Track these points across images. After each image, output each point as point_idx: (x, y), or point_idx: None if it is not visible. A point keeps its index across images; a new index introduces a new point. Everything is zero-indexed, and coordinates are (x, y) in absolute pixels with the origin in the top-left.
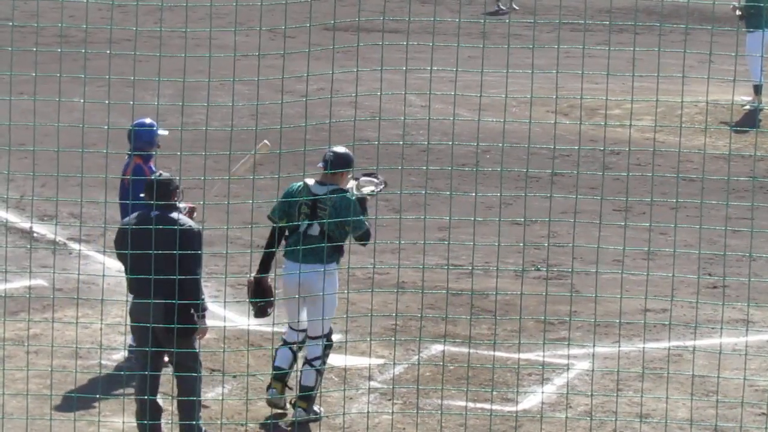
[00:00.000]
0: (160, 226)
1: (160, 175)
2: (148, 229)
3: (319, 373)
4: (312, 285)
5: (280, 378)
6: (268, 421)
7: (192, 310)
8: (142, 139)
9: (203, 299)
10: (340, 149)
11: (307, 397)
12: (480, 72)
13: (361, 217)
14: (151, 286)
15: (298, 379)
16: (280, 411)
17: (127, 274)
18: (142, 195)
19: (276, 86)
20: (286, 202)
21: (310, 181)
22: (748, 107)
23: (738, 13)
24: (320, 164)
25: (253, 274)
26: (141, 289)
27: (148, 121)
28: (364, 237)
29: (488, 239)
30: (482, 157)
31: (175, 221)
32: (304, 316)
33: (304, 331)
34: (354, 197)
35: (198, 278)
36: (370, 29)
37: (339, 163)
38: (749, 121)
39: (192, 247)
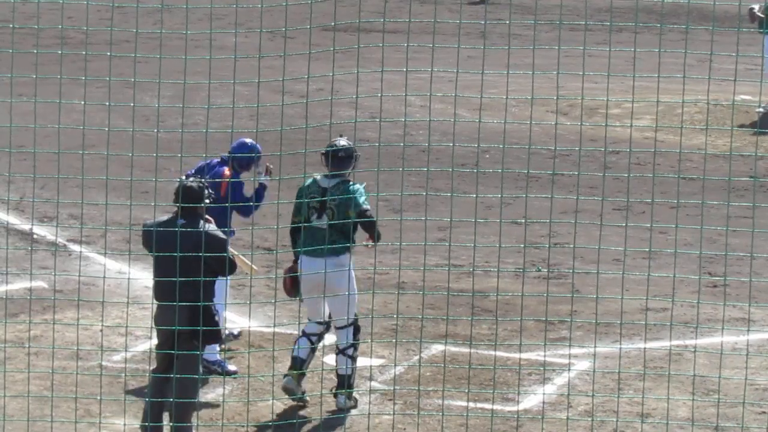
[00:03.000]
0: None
1: (191, 182)
2: (171, 236)
3: (353, 359)
4: (330, 279)
5: (296, 367)
6: (269, 422)
7: (216, 317)
8: (244, 160)
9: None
10: (343, 141)
11: (344, 384)
12: (480, 72)
13: (366, 204)
14: (176, 292)
15: (336, 369)
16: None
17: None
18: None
19: (275, 87)
20: (299, 200)
21: (318, 176)
22: (761, 109)
23: (761, 15)
24: (326, 159)
25: (283, 273)
26: (165, 296)
27: (249, 142)
28: (369, 225)
29: (488, 239)
30: (482, 157)
31: (204, 230)
32: (324, 308)
33: (323, 323)
34: (362, 185)
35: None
36: (369, 30)
37: (343, 156)
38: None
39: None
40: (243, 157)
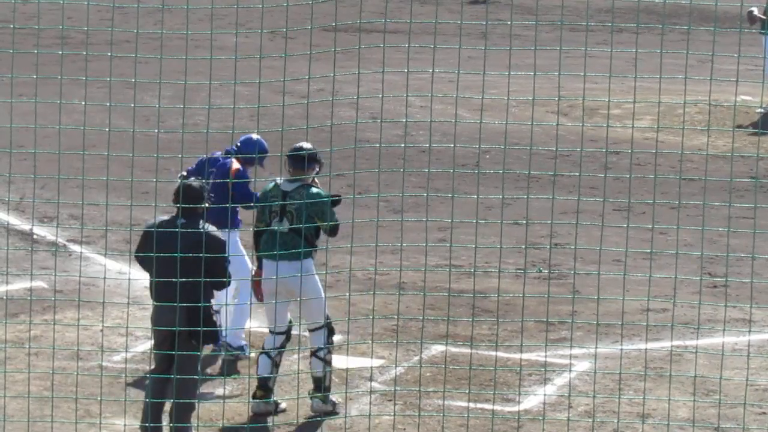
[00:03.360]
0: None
1: (191, 182)
2: (174, 236)
3: (326, 362)
4: (294, 283)
5: (262, 386)
6: (269, 423)
7: (215, 318)
8: (252, 154)
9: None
10: (306, 144)
11: (320, 387)
12: (480, 73)
13: (327, 210)
14: (176, 293)
15: (310, 372)
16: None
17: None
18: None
19: (276, 87)
20: (261, 203)
21: (280, 180)
22: (761, 110)
23: (762, 16)
24: (288, 165)
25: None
26: (164, 296)
27: (255, 138)
28: (332, 229)
29: (489, 240)
30: (482, 157)
31: (204, 231)
32: (285, 314)
33: (283, 334)
34: (324, 192)
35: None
36: (370, 30)
37: (305, 159)
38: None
39: (218, 255)
40: (249, 155)
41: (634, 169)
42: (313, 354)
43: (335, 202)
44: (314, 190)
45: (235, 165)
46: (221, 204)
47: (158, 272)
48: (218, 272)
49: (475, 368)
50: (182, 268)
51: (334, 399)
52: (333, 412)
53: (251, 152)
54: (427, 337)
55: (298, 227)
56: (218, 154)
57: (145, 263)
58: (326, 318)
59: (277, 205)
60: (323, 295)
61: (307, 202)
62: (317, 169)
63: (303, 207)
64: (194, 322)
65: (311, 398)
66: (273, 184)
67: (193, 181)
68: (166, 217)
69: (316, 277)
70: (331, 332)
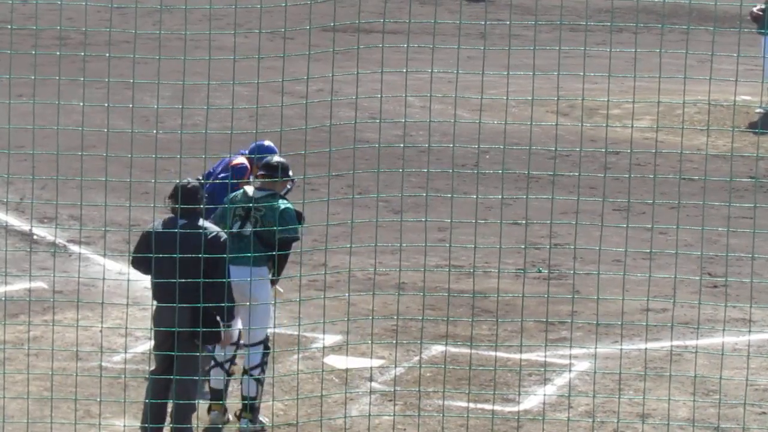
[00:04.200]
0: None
1: (188, 182)
2: (174, 237)
3: (260, 382)
4: (247, 289)
5: (217, 398)
6: (269, 422)
7: (218, 317)
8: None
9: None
10: (278, 158)
11: (251, 407)
12: (480, 73)
13: (293, 226)
14: (180, 293)
15: (240, 390)
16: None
17: (152, 280)
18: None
19: (275, 87)
20: (226, 207)
21: (250, 189)
22: (761, 110)
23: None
24: (260, 172)
25: None
26: (166, 296)
27: (267, 144)
28: (286, 241)
29: (488, 240)
30: (482, 157)
31: (203, 230)
32: (238, 324)
33: (234, 344)
34: (291, 204)
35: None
36: (369, 30)
37: (276, 169)
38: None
39: (219, 253)
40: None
41: (634, 169)
42: (247, 372)
43: (300, 218)
44: (282, 202)
45: (239, 159)
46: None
47: (162, 273)
48: (219, 273)
49: (475, 368)
50: (186, 269)
51: (264, 419)
52: (261, 430)
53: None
54: (427, 338)
55: (261, 234)
56: (226, 161)
57: (142, 265)
58: (266, 337)
59: (242, 209)
60: (271, 310)
61: (269, 205)
62: (289, 186)
63: (268, 214)
64: (198, 322)
65: (240, 419)
66: (241, 191)
67: (190, 181)
68: (164, 218)
69: (269, 287)
70: (266, 351)
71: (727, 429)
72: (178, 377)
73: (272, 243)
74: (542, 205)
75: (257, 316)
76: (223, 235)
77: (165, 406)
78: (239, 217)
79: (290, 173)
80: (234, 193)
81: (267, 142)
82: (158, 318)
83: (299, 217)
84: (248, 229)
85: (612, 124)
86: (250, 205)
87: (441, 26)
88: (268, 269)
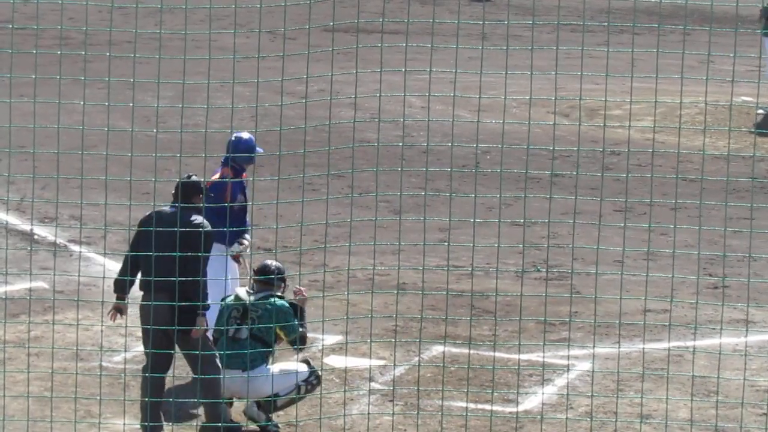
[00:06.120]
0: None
1: (189, 176)
2: (160, 226)
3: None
4: (242, 391)
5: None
6: (269, 423)
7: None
8: (242, 156)
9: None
10: (274, 262)
11: (274, 404)
12: (480, 73)
13: (294, 323)
14: (169, 284)
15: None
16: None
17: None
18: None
19: (276, 88)
20: (221, 312)
21: (242, 292)
22: (761, 111)
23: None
24: (256, 277)
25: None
26: (152, 287)
27: (246, 136)
28: (298, 341)
29: (488, 240)
30: (482, 158)
31: (190, 220)
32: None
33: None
34: (287, 302)
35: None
36: (370, 30)
37: (274, 273)
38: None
39: (204, 245)
40: (244, 150)
41: (634, 169)
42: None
43: (296, 311)
44: (279, 301)
45: (215, 176)
46: (218, 221)
47: (150, 262)
48: (200, 261)
49: (475, 369)
50: (170, 256)
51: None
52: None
53: (242, 157)
54: (427, 338)
55: (258, 334)
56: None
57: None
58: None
59: (239, 310)
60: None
61: (268, 304)
62: (283, 287)
63: (266, 315)
64: (180, 313)
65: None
66: (234, 295)
67: (192, 177)
68: (156, 210)
69: (271, 370)
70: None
71: (727, 430)
72: (196, 371)
73: (271, 342)
74: (542, 206)
75: (279, 383)
76: (208, 225)
77: (163, 403)
78: (235, 319)
79: (284, 277)
80: (227, 298)
81: (245, 135)
82: (146, 313)
83: (296, 311)
84: (245, 332)
85: (612, 124)
86: (247, 302)
87: (441, 26)
88: (265, 365)
